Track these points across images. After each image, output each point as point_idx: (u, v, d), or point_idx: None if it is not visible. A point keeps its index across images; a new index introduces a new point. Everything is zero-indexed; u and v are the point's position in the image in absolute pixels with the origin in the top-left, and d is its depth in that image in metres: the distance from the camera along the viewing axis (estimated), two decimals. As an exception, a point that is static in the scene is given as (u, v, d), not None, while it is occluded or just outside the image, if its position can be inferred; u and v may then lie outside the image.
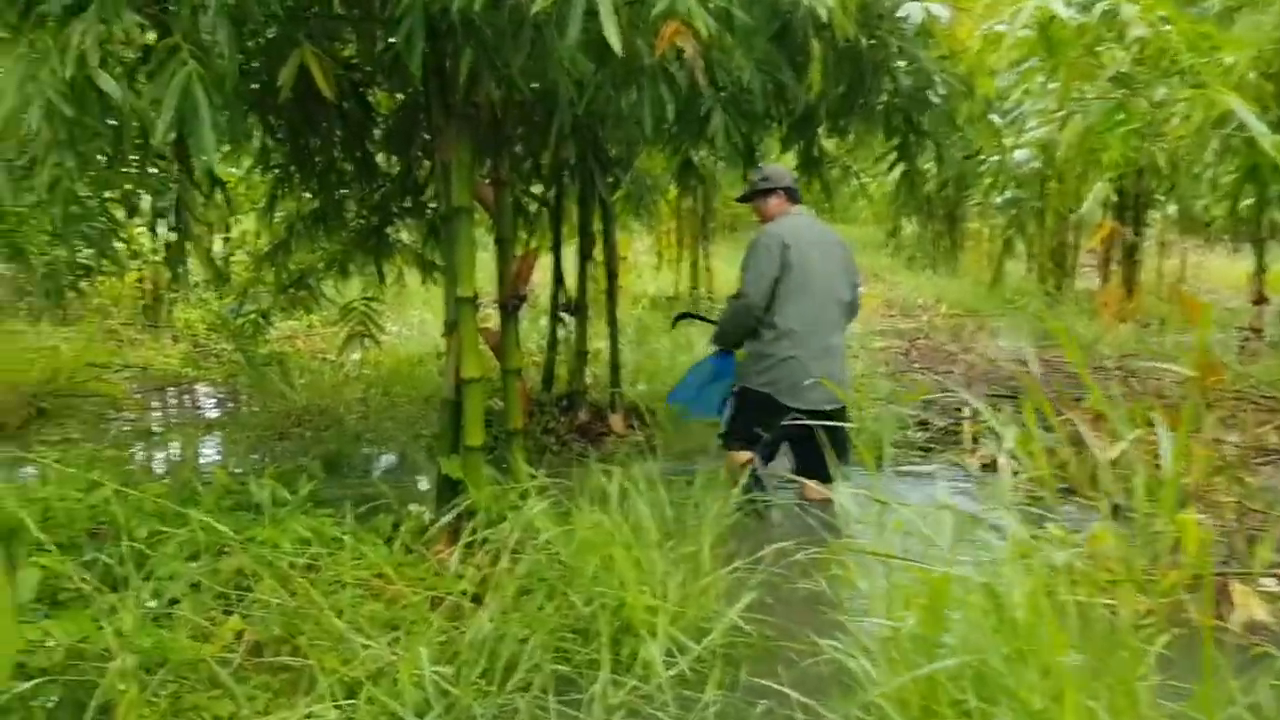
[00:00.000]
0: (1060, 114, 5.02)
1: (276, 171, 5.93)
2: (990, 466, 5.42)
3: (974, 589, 2.43)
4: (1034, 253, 16.03)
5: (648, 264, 17.14)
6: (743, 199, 5.47)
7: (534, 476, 3.91)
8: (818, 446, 4.25)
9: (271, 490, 3.64)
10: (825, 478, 4.46)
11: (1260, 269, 9.84)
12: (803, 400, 4.80)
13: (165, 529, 3.52)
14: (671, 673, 2.85)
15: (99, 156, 3.76)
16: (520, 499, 3.77)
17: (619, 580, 3.15)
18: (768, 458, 5.04)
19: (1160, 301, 11.75)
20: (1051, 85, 5.57)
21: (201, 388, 8.10)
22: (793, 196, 5.30)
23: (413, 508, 3.95)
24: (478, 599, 3.31)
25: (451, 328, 4.03)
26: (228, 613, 3.19)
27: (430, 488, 4.62)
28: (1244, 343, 9.51)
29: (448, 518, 3.71)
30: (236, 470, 5.50)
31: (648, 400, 7.12)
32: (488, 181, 4.40)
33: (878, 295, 14.59)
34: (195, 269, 11.97)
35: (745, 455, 4.90)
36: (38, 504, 3.45)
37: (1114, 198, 11.99)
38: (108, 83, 2.88)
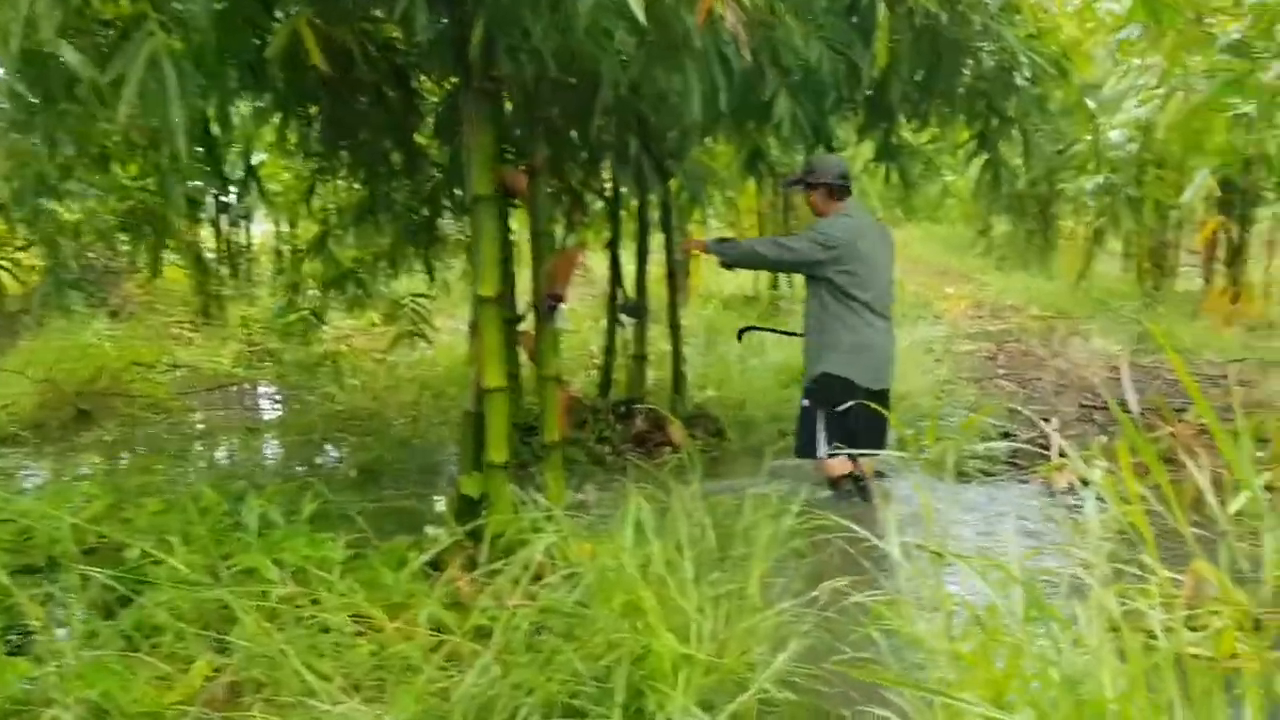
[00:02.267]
0: (1163, 91, 4.45)
1: (315, 161, 5.66)
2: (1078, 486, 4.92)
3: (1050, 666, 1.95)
4: (1130, 251, 15.18)
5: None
6: (789, 184, 5.35)
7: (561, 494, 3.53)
8: None
9: (263, 512, 3.29)
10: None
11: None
12: (877, 382, 5.01)
13: (158, 551, 3.22)
14: (698, 738, 2.42)
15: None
16: (548, 522, 3.38)
17: (645, 622, 2.73)
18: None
19: (1266, 303, 10.90)
20: (1152, 60, 4.99)
21: (250, 389, 7.88)
22: (836, 193, 5.03)
23: (429, 530, 3.58)
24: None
25: (474, 330, 3.65)
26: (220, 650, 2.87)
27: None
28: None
29: (448, 542, 3.32)
30: (272, 479, 5.25)
31: (715, 408, 6.69)
32: (521, 169, 4.01)
33: (966, 296, 13.93)
34: (261, 266, 11.94)
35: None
36: (6, 525, 3.15)
37: (1217, 192, 11.19)
38: (71, 55, 2.56)
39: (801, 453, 5.08)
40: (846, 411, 4.78)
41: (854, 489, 4.95)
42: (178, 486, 4.96)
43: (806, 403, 5.03)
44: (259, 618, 2.78)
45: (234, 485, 4.97)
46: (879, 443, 4.91)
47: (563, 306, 4.15)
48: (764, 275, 14.24)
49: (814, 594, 2.92)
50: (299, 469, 5.50)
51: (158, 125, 2.71)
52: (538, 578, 3.15)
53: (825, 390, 4.93)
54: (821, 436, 4.92)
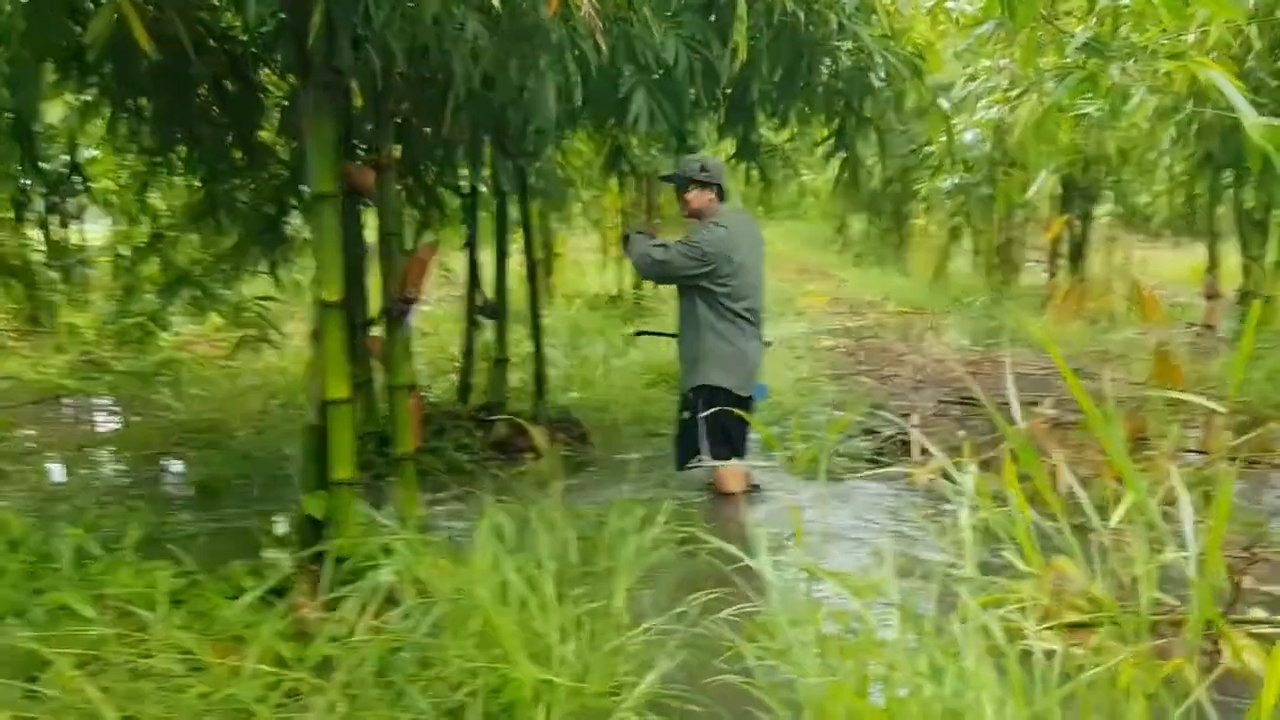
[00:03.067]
0: (1017, 92, 4.52)
1: (147, 158, 5.30)
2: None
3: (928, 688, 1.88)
4: (980, 248, 15.68)
5: (591, 261, 16.54)
6: (670, 179, 5.16)
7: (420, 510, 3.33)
8: None
9: (78, 543, 3.00)
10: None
11: (1213, 263, 9.48)
12: (749, 388, 4.96)
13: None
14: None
15: None
16: (400, 542, 3.18)
17: (503, 649, 2.57)
18: None
19: (1109, 298, 11.36)
20: (1004, 60, 5.07)
21: (82, 402, 7.34)
22: (724, 196, 5.05)
23: (270, 554, 3.33)
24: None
25: (316, 338, 3.42)
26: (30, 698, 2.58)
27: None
28: (1196, 340, 9.14)
29: (291, 567, 3.09)
30: (102, 500, 4.87)
31: (579, 410, 6.55)
32: (369, 165, 3.79)
33: (825, 293, 14.14)
34: (99, 269, 11.23)
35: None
36: None
37: (1059, 190, 11.64)
38: None
39: (682, 465, 4.98)
40: (723, 418, 4.72)
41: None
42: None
43: (686, 415, 4.94)
44: (73, 661, 2.51)
45: (55, 509, 4.61)
46: (745, 445, 4.89)
47: (414, 310, 3.95)
48: (627, 273, 14.18)
49: (682, 610, 2.81)
50: (132, 489, 5.11)
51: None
52: (390, 602, 2.97)
53: (705, 402, 4.82)
54: (705, 448, 4.81)
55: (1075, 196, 11.41)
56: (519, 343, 7.11)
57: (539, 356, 6.23)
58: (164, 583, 2.97)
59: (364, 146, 4.55)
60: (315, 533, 3.35)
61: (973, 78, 5.84)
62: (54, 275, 9.07)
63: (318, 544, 3.29)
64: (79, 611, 2.68)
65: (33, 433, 6.39)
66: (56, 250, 9.74)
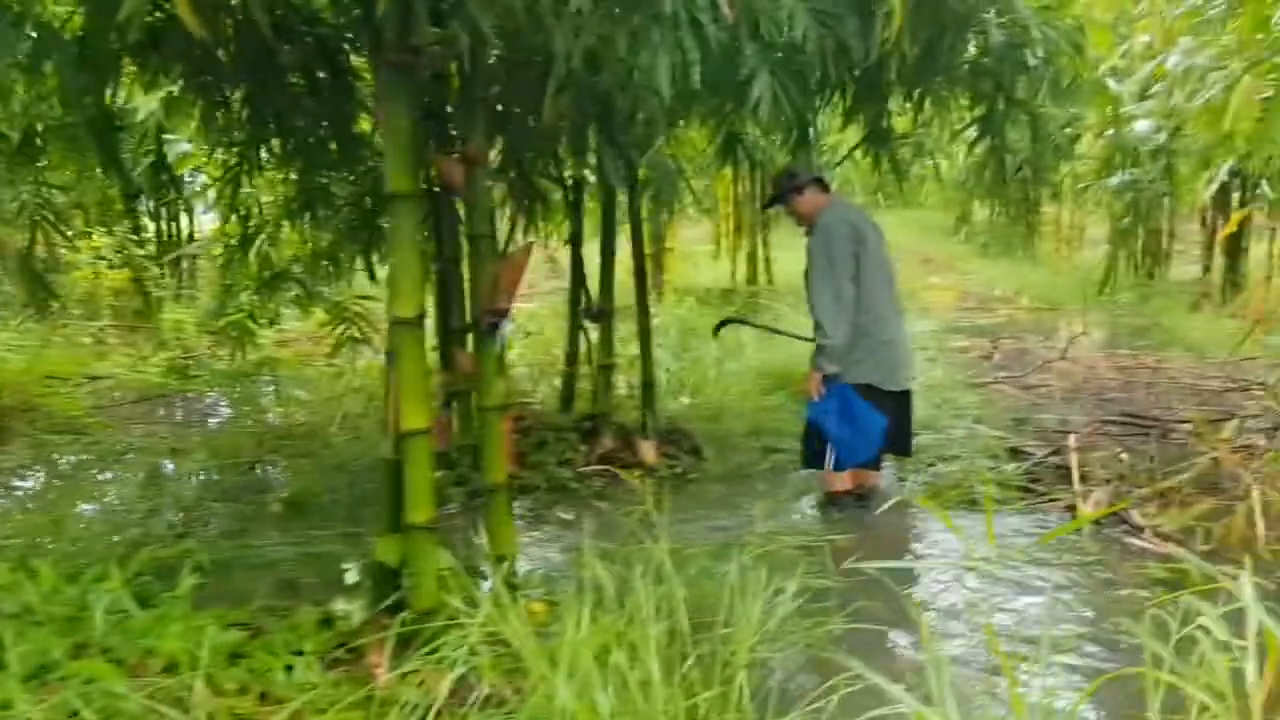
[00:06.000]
0: (1226, 72, 3.84)
1: (236, 152, 5.01)
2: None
3: None
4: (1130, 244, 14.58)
5: (703, 254, 16.01)
6: (770, 204, 5.14)
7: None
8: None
9: (112, 598, 2.63)
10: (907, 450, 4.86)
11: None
12: (898, 382, 4.64)
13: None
14: None
15: None
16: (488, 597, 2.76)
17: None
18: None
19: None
20: (1186, 41, 4.38)
21: (180, 402, 7.14)
22: (824, 186, 4.81)
23: (339, 605, 2.93)
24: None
25: (391, 360, 3.00)
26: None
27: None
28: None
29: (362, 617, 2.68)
30: (183, 515, 4.61)
31: (690, 420, 6.06)
32: (456, 158, 3.36)
33: (951, 286, 13.34)
34: (204, 264, 11.17)
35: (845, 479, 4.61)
36: None
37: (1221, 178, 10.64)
38: None
39: (807, 464, 4.71)
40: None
41: (853, 504, 4.60)
42: (66, 528, 4.32)
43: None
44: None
45: (128, 532, 4.35)
46: (905, 441, 4.77)
47: (507, 323, 3.50)
48: (741, 265, 13.58)
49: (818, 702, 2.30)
50: (215, 503, 4.82)
51: None
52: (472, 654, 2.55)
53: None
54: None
55: (1236, 186, 10.39)
56: (625, 342, 6.67)
57: (647, 361, 5.75)
58: (216, 639, 2.59)
59: (462, 139, 4.16)
60: (389, 580, 2.94)
61: (1149, 50, 5.14)
62: (157, 270, 8.95)
63: (392, 594, 2.89)
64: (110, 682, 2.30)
65: (128, 434, 6.20)
66: (160, 245, 9.66)
